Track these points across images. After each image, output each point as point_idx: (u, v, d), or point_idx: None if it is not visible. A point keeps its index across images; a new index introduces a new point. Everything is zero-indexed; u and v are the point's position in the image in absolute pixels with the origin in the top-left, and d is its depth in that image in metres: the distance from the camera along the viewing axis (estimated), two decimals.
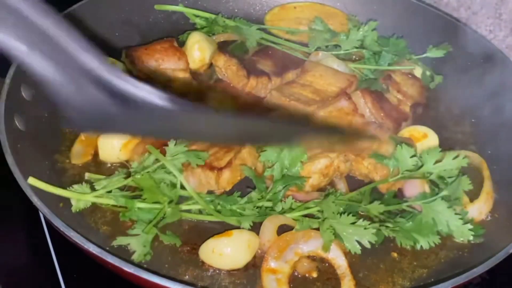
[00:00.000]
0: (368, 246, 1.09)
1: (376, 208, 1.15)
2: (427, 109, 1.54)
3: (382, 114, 1.42)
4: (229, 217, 1.15)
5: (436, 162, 1.16)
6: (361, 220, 1.11)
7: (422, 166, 1.17)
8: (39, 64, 0.62)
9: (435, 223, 1.11)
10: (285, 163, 1.20)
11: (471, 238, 1.14)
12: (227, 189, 1.24)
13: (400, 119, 1.44)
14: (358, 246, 1.09)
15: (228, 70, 1.48)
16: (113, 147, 1.27)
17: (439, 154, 1.17)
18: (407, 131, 1.43)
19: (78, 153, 1.30)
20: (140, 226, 1.10)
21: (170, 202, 1.13)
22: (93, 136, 1.30)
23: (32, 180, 1.08)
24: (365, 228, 1.10)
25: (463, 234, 1.13)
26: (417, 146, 1.34)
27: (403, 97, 1.49)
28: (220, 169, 1.21)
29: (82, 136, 1.31)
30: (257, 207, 1.18)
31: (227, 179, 1.23)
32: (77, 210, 1.15)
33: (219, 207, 1.16)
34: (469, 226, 1.12)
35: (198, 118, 0.74)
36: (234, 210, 1.16)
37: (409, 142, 1.29)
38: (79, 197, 1.14)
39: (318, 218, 1.16)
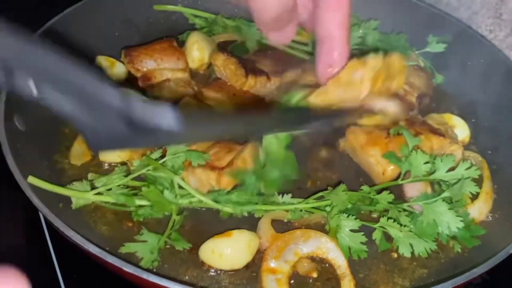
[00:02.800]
0: (355, 258, 1.11)
1: (385, 198, 1.15)
2: (432, 101, 1.56)
3: None
4: (232, 207, 1.15)
5: (449, 170, 1.17)
6: (361, 233, 1.11)
7: (434, 171, 1.17)
8: (59, 102, 0.69)
9: (436, 225, 1.11)
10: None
11: (475, 243, 1.15)
12: (228, 189, 1.23)
13: (406, 109, 1.45)
14: (348, 252, 1.11)
15: (227, 69, 1.47)
16: None
17: (453, 162, 1.17)
18: (439, 117, 1.46)
19: (78, 154, 1.29)
20: (148, 235, 1.10)
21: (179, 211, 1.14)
22: None
23: (32, 179, 1.08)
24: (361, 243, 1.11)
25: (467, 240, 1.14)
26: (453, 131, 1.39)
27: (409, 87, 1.51)
28: (222, 169, 1.21)
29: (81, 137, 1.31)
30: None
31: (228, 179, 1.22)
32: (77, 207, 1.14)
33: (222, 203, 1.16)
34: (471, 230, 1.14)
35: (205, 126, 0.84)
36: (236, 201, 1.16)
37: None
38: (79, 195, 1.14)
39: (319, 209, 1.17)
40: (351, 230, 1.11)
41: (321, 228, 1.17)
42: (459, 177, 1.16)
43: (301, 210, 1.16)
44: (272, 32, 1.15)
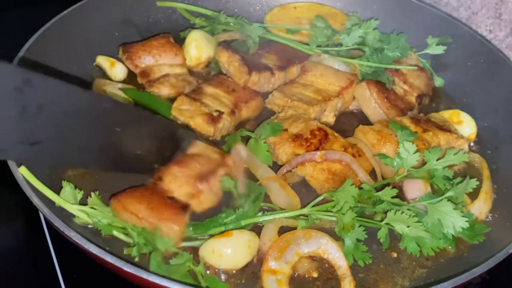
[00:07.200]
0: (362, 265, 1.11)
1: (389, 193, 1.15)
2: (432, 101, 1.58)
3: (387, 104, 1.46)
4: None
5: (439, 159, 1.18)
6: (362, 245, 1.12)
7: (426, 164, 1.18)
8: None
9: (441, 224, 1.11)
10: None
11: (481, 240, 1.15)
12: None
13: (405, 109, 1.48)
14: (352, 259, 1.11)
15: (231, 66, 1.48)
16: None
17: (440, 152, 1.18)
18: (447, 113, 1.48)
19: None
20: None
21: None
22: None
23: (23, 170, 1.08)
24: (363, 251, 1.11)
25: (471, 237, 1.15)
26: (456, 129, 1.42)
27: (409, 88, 1.53)
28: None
29: None
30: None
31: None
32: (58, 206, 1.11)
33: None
34: (477, 227, 1.14)
35: None
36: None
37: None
38: (63, 204, 1.10)
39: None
40: (357, 240, 1.11)
41: (325, 232, 1.17)
42: (450, 163, 1.17)
43: (301, 215, 1.16)
44: None
